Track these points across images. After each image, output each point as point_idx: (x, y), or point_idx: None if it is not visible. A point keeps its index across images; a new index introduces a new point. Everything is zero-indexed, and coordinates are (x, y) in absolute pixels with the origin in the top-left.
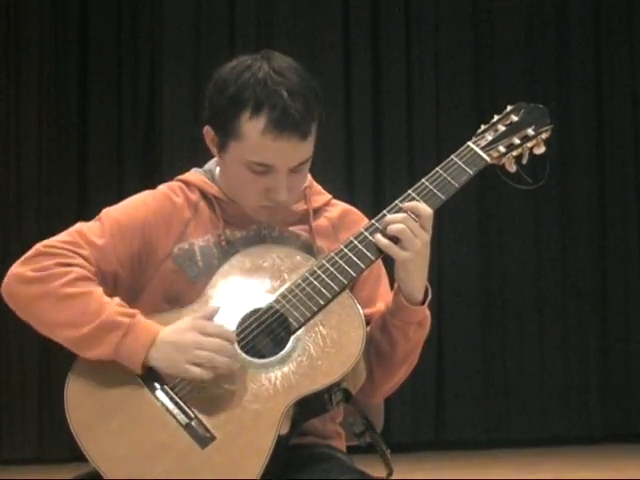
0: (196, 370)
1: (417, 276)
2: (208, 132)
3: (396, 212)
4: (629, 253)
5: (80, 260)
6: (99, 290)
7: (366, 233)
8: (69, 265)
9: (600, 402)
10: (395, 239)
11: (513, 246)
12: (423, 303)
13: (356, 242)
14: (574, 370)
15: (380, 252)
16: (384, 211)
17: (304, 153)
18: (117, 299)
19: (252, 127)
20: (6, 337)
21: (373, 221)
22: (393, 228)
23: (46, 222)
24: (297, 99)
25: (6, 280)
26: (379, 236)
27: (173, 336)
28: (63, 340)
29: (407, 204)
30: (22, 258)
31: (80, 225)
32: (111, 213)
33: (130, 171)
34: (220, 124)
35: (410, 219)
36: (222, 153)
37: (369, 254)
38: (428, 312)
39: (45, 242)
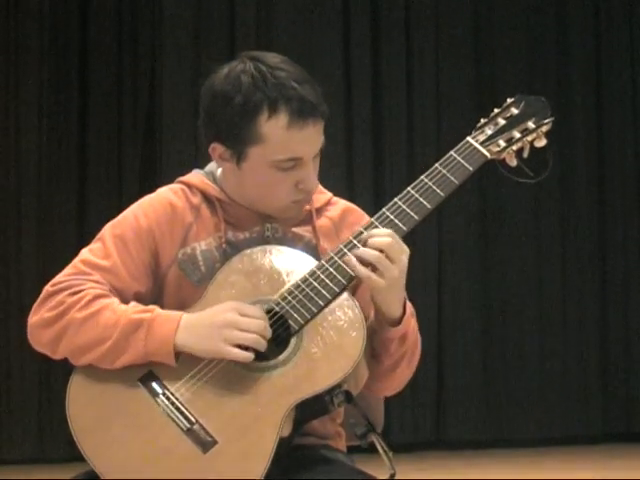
0: (238, 352)
1: (393, 300)
2: (216, 149)
3: (395, 210)
4: (629, 253)
5: (91, 284)
6: (115, 301)
7: (366, 233)
8: (80, 291)
9: (600, 402)
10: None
11: (513, 246)
12: (400, 321)
13: (356, 242)
14: (574, 370)
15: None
16: (383, 209)
17: (322, 136)
18: (133, 303)
19: (274, 126)
20: (7, 337)
21: (373, 220)
22: (368, 255)
23: (46, 222)
24: (305, 85)
25: (29, 331)
26: (355, 262)
27: (210, 317)
28: (95, 361)
29: (367, 240)
30: (35, 305)
31: (83, 253)
32: (112, 230)
33: (130, 171)
34: (233, 135)
35: (391, 244)
36: (240, 163)
37: None
38: (413, 323)
39: (51, 282)
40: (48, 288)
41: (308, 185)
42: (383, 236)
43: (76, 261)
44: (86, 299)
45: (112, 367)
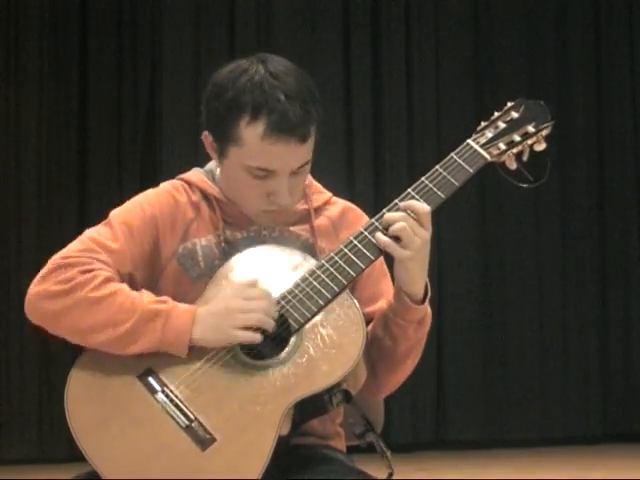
0: (245, 334)
1: (417, 275)
2: (207, 137)
3: (395, 211)
4: (629, 253)
5: (100, 264)
6: (126, 287)
7: (366, 232)
8: (92, 271)
9: (600, 402)
10: (395, 238)
11: (513, 246)
12: (423, 300)
13: (356, 242)
14: (574, 370)
15: (380, 252)
16: (384, 210)
17: (304, 156)
18: (145, 291)
19: (251, 132)
20: (6, 337)
21: (373, 220)
22: (394, 227)
23: (46, 222)
24: (294, 102)
25: (29, 299)
26: (379, 235)
27: (216, 307)
28: (101, 343)
29: (403, 203)
30: (40, 275)
31: (90, 231)
32: (120, 216)
33: (130, 171)
34: (219, 129)
35: (409, 217)
36: (222, 158)
37: (369, 254)
38: (429, 310)
39: (60, 254)
40: (58, 260)
41: (279, 198)
42: (398, 217)
43: (84, 237)
44: (98, 280)
45: (122, 353)
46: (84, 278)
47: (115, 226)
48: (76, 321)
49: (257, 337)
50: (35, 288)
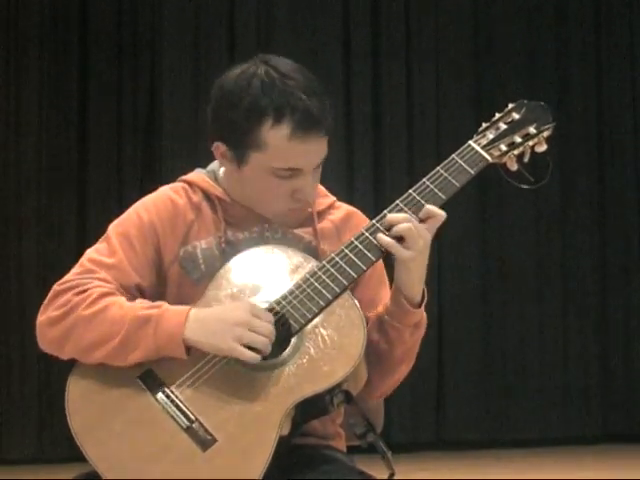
0: (249, 353)
1: (417, 277)
2: (219, 147)
3: (397, 212)
4: (629, 253)
5: (96, 282)
6: (121, 299)
7: (367, 234)
8: (86, 290)
9: (600, 402)
10: (398, 238)
11: (514, 246)
12: (420, 305)
13: (357, 243)
14: (574, 370)
15: (381, 252)
16: (385, 211)
17: (325, 149)
18: (139, 299)
19: (276, 134)
20: (7, 337)
21: (374, 221)
22: (399, 227)
23: (46, 222)
24: (313, 97)
25: (37, 332)
26: (381, 235)
27: (223, 314)
28: (103, 357)
29: (423, 211)
30: (42, 306)
31: (88, 252)
32: (116, 228)
33: (130, 171)
34: (236, 137)
35: (414, 219)
36: (241, 166)
37: (370, 255)
38: (425, 314)
39: (59, 281)
40: (56, 287)
41: (305, 195)
42: (404, 218)
43: (83, 260)
44: (92, 297)
45: (125, 364)
46: (79, 298)
47: (113, 240)
48: (77, 341)
49: (258, 358)
50: (39, 318)
